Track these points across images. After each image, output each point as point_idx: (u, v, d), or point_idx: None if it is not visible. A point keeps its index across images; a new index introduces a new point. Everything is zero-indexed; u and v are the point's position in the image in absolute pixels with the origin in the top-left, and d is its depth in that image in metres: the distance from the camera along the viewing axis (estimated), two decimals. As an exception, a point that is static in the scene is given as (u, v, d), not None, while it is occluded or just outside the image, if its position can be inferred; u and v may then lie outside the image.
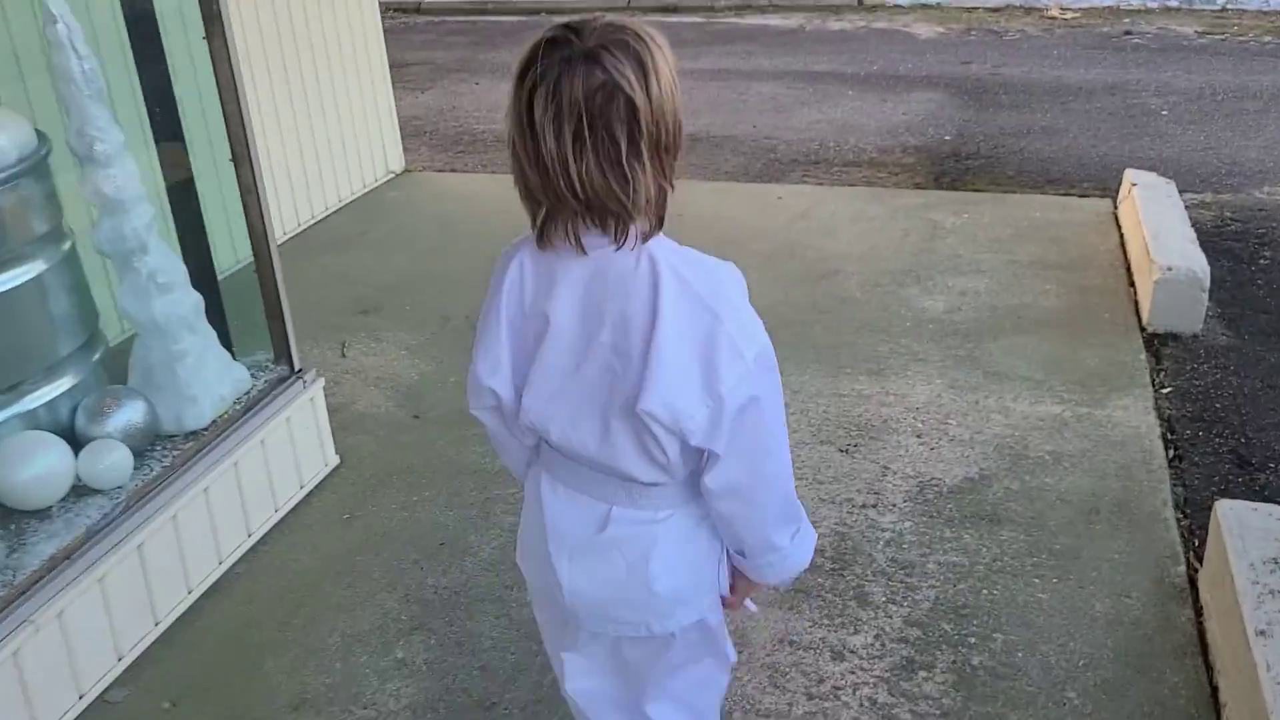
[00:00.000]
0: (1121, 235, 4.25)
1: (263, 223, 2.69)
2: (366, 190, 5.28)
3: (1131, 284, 3.82)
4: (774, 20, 9.27)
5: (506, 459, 1.53)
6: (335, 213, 5.01)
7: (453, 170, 5.74)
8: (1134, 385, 3.18)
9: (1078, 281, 3.90)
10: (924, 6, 9.41)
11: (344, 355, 3.64)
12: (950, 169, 5.35)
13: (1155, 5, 8.93)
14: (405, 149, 6.11)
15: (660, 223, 1.24)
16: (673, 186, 1.23)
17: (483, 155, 6.03)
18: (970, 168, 5.37)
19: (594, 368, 1.26)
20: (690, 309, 1.23)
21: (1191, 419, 3.03)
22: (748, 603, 1.54)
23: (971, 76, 7.20)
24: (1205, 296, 3.41)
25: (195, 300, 2.57)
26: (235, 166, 2.65)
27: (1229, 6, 8.76)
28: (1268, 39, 7.84)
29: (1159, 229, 3.72)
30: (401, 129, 6.49)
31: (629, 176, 1.16)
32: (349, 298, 4.11)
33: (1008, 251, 4.21)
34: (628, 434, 1.27)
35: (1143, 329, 3.52)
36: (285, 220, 4.69)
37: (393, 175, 5.52)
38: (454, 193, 5.38)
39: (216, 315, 2.71)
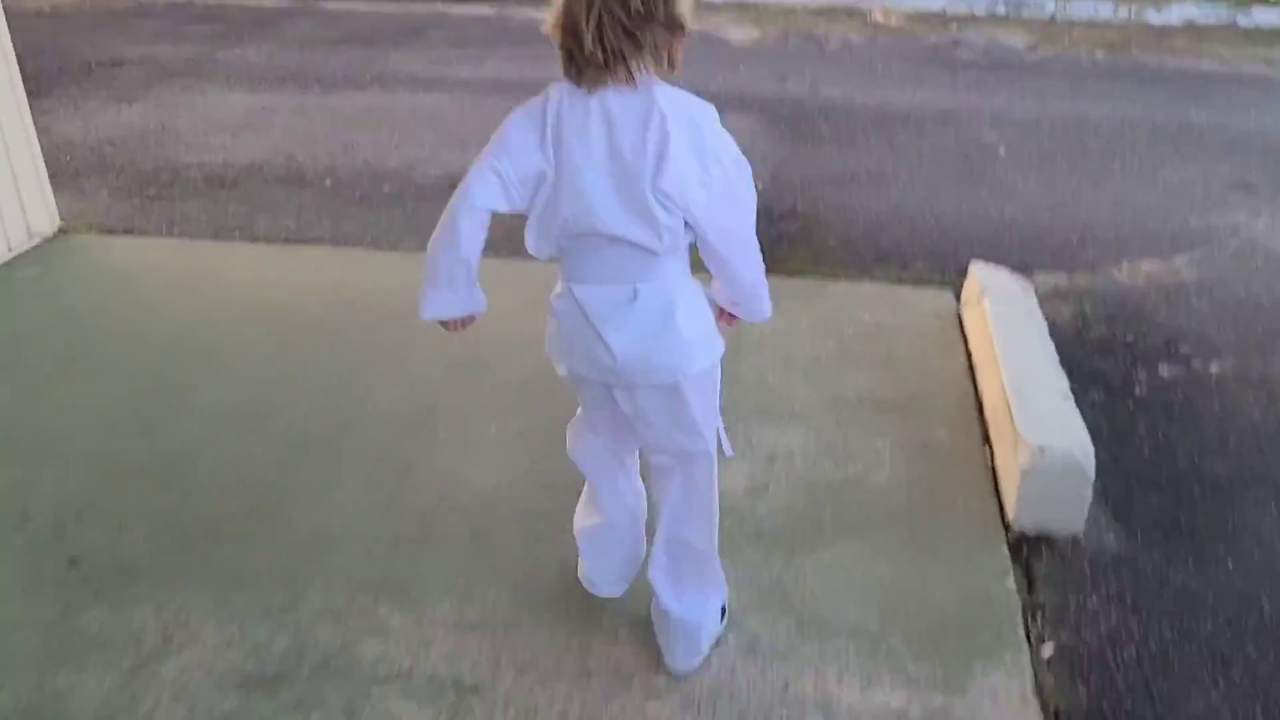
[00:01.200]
0: (969, 355, 3.33)
1: None
2: (-14, 269, 3.90)
3: (986, 440, 2.90)
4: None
5: (447, 253, 1.94)
6: (-75, 311, 3.62)
7: (129, 231, 4.37)
8: (1004, 644, 2.23)
9: (920, 436, 2.94)
10: (740, 6, 8.45)
11: None
12: (763, 235, 4.33)
13: (982, 13, 8.24)
14: (78, 193, 4.73)
15: (675, 66, 1.78)
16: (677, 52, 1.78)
17: (180, 203, 4.67)
18: (786, 234, 4.39)
19: (620, 170, 1.75)
20: (688, 127, 1.75)
21: (1086, 713, 2.10)
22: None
23: (789, 97, 6.26)
24: (1090, 489, 2.50)
25: None
26: None
27: (1057, 16, 8.15)
28: (1099, 55, 7.23)
29: (1021, 375, 2.80)
30: (79, 165, 5.07)
31: (674, 27, 1.73)
32: (-114, 476, 2.78)
33: (831, 381, 3.23)
34: (642, 215, 1.77)
35: (1007, 526, 2.58)
36: None
37: (38, 242, 4.13)
38: (120, 269, 4.03)
39: None
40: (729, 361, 3.36)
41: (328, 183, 4.92)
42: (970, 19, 8.12)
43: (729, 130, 1.87)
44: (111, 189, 4.84)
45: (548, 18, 1.73)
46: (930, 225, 4.51)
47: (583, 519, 2.31)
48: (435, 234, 1.93)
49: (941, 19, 8.13)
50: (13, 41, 4.05)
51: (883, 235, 4.40)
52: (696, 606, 2.14)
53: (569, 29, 1.69)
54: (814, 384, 3.21)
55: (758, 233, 1.90)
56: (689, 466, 2.08)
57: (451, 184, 4.86)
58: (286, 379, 3.25)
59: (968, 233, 4.44)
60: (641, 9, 1.67)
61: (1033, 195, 4.86)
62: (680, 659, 2.14)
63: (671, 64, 1.77)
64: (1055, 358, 2.91)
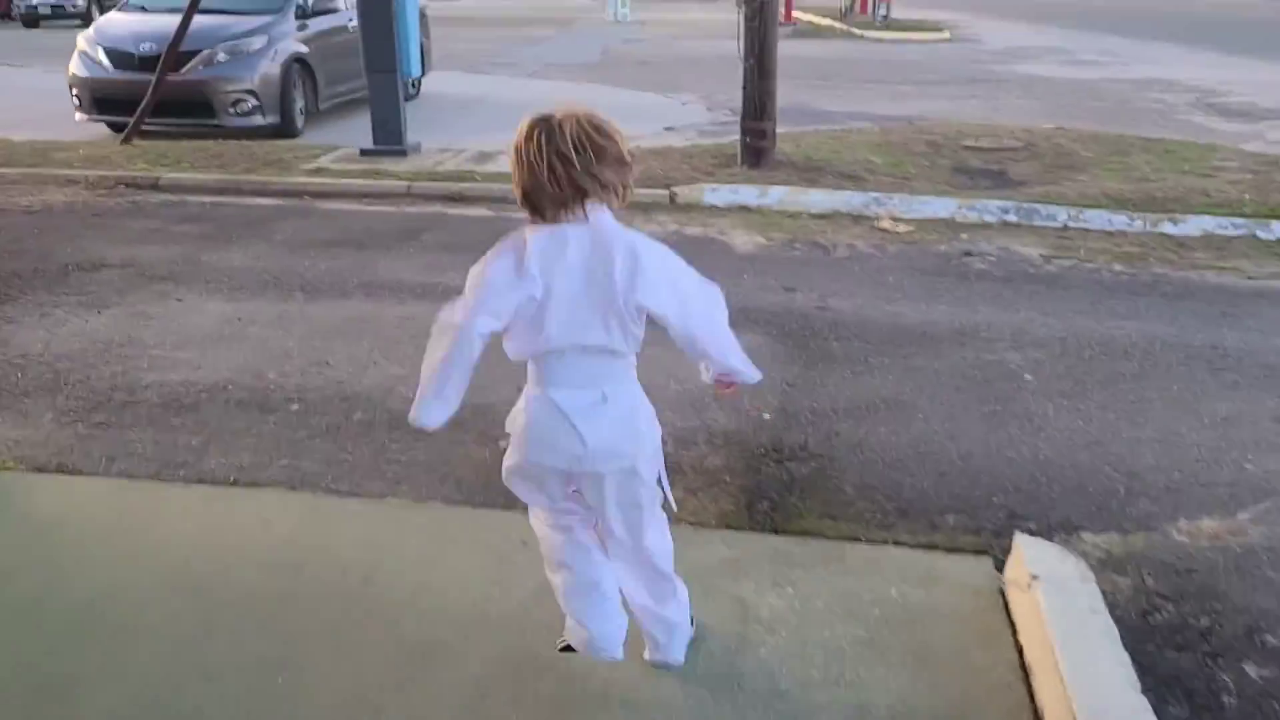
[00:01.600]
0: (1019, 649, 2.80)
1: None
2: (-116, 520, 3.43)
3: (1054, 779, 2.34)
4: (573, 219, 7.92)
5: (458, 370, 2.29)
6: None
7: (62, 468, 3.91)
8: None
9: (969, 773, 2.39)
10: (743, 209, 8.28)
11: None
12: (770, 482, 3.89)
13: (993, 220, 8.04)
14: (20, 417, 4.34)
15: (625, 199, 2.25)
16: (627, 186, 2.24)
17: (128, 432, 4.24)
18: (798, 478, 3.92)
19: (596, 290, 2.17)
20: (653, 255, 2.23)
21: None
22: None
23: (797, 311, 5.93)
24: None
25: None
26: None
27: (1070, 224, 7.94)
28: (1119, 268, 6.94)
29: (1095, 707, 2.27)
30: (29, 383, 4.69)
31: (622, 164, 2.18)
32: None
33: (856, 685, 2.69)
34: (616, 324, 2.22)
35: None
36: None
37: (-47, 482, 3.68)
38: (41, 519, 3.56)
39: None
40: (728, 652, 2.85)
41: (294, 407, 4.51)
42: (981, 226, 7.91)
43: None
44: (57, 412, 4.42)
45: (514, 181, 2.18)
46: (958, 468, 4.05)
47: (564, 580, 2.55)
48: (438, 353, 2.29)
49: (951, 226, 7.93)
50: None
51: (905, 481, 3.93)
52: (673, 608, 2.63)
53: (530, 179, 2.10)
54: (836, 689, 2.67)
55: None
56: (640, 519, 2.48)
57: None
58: (203, 673, 2.72)
59: (1000, 477, 3.97)
60: (585, 153, 2.08)
61: (1066, 430, 4.42)
62: (673, 652, 2.66)
63: (623, 197, 2.19)
64: (1134, 680, 2.39)
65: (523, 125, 2.13)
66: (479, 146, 10.00)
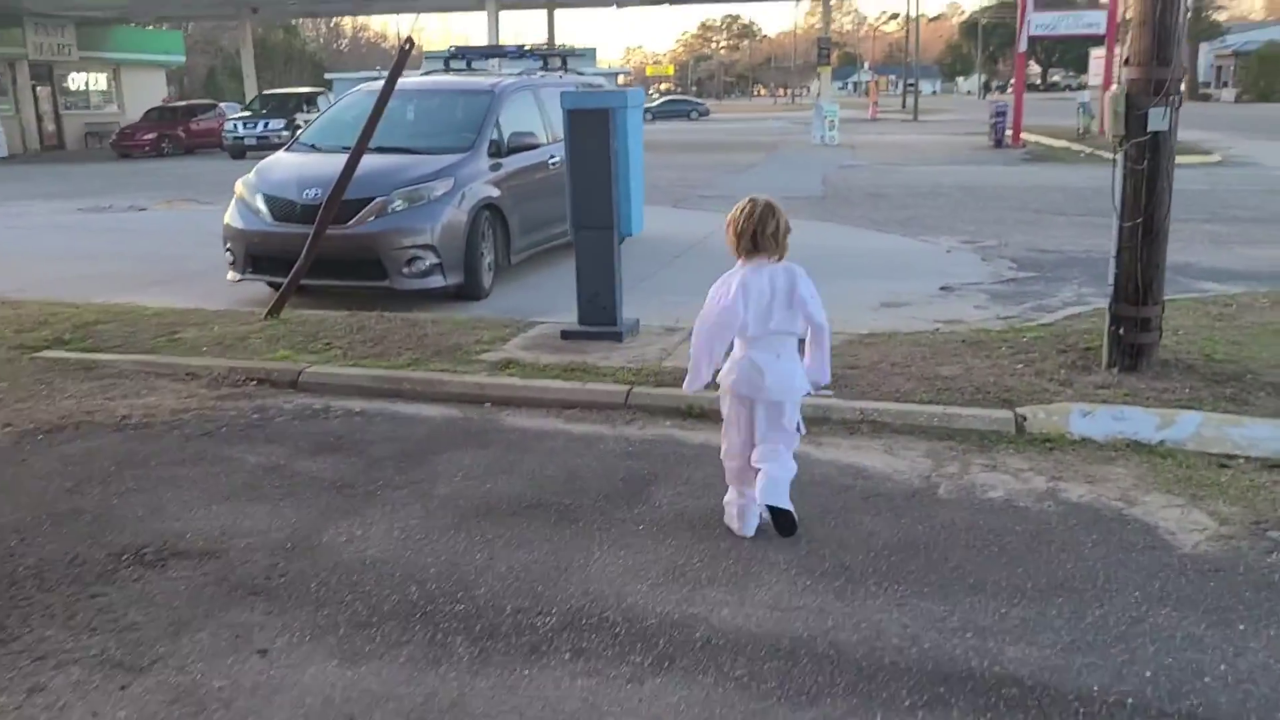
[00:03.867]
0: None
1: None
2: None
3: None
4: (877, 458, 5.15)
5: (720, 345, 4.15)
6: None
7: None
8: None
9: None
10: (1138, 448, 5.33)
11: None
12: None
13: None
14: None
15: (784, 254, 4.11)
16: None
17: None
18: None
19: (779, 299, 4.04)
20: (804, 279, 4.11)
21: None
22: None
23: None
24: None
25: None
26: None
27: None
28: None
29: None
30: None
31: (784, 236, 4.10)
32: None
33: None
34: (793, 317, 4.07)
35: None
36: None
37: None
38: None
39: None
40: None
41: None
42: None
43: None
44: None
45: (728, 227, 4.11)
46: None
47: (730, 460, 4.35)
48: (702, 338, 4.13)
49: None
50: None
51: None
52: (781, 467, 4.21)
53: (742, 235, 4.03)
54: None
55: None
56: (780, 432, 4.21)
57: None
58: None
59: None
60: (776, 229, 3.99)
61: None
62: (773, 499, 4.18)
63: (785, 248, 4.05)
64: None
65: (745, 204, 4.11)
66: (716, 326, 7.44)
